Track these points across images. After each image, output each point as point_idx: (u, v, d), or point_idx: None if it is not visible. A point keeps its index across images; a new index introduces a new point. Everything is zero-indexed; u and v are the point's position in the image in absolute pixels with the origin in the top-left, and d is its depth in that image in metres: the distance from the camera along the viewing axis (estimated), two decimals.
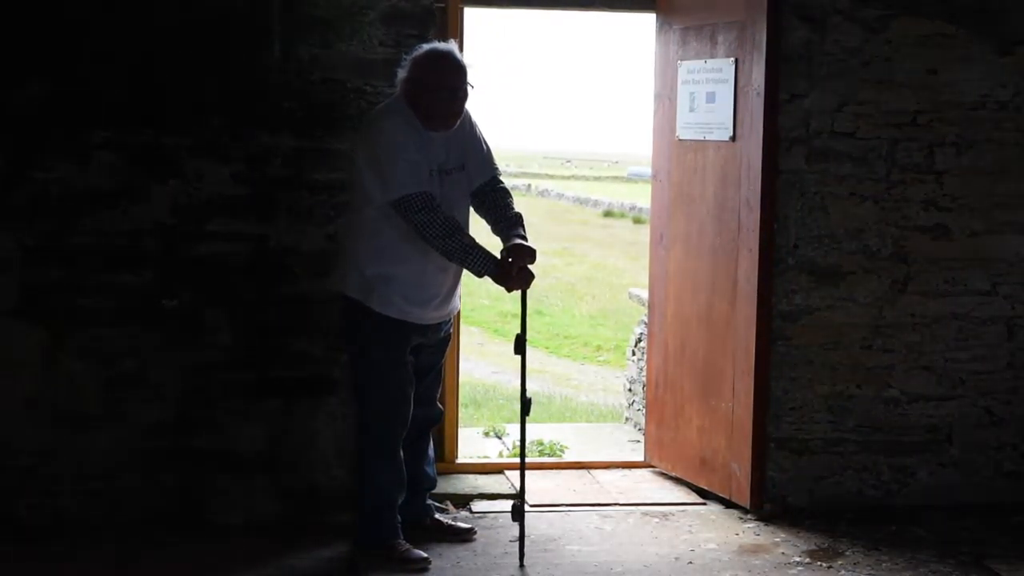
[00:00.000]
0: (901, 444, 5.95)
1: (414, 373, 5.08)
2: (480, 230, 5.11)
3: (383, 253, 4.89)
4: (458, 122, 4.97)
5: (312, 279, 5.48)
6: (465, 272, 5.02)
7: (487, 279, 4.97)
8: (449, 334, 5.29)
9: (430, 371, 5.25)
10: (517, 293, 5.04)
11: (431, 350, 5.18)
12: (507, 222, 5.05)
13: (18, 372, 5.36)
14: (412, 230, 4.81)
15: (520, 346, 5.02)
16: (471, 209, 5.14)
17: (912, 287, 5.90)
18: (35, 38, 5.29)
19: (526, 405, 5.12)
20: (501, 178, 5.19)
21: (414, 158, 4.81)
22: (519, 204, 5.29)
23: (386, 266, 4.89)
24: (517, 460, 6.20)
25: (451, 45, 5.01)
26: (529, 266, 4.97)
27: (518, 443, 6.36)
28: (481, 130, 5.16)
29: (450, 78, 4.89)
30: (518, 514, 5.10)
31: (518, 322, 5.07)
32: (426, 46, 4.97)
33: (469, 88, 4.95)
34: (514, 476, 5.98)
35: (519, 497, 5.17)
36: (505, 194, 5.14)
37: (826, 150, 5.79)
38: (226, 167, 5.43)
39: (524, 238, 5.01)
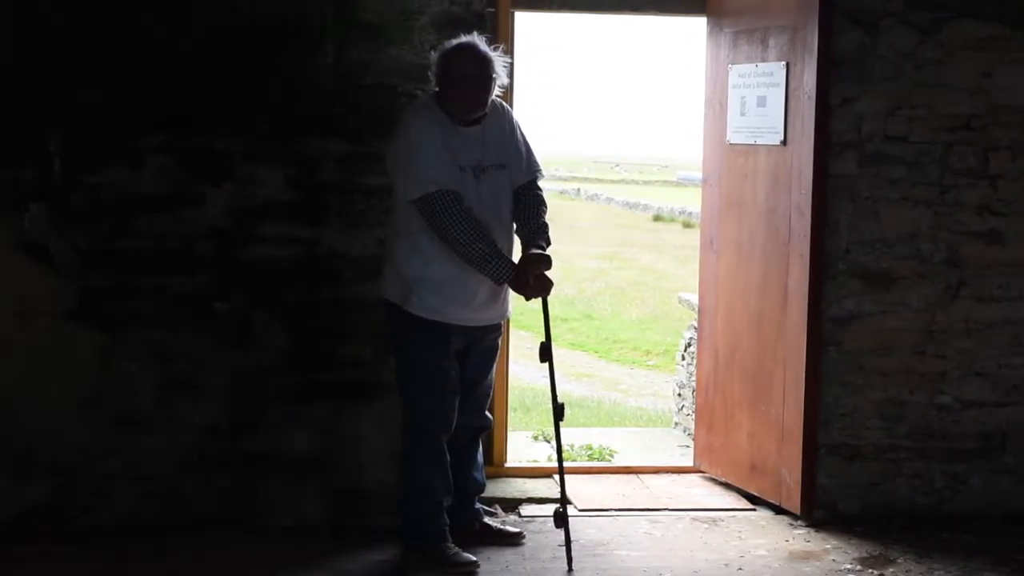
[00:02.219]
0: (954, 451, 5.89)
1: (463, 384, 5.08)
2: None
3: (419, 254, 4.90)
4: (485, 110, 4.97)
5: (362, 283, 5.51)
6: None
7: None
8: (497, 345, 5.27)
9: (480, 383, 5.23)
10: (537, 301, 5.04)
11: (478, 360, 5.16)
12: (531, 229, 5.03)
13: (74, 374, 5.42)
14: (435, 232, 4.82)
15: (546, 353, 5.03)
16: None
17: (965, 292, 5.84)
18: (89, 44, 5.36)
19: (559, 411, 5.11)
20: (540, 184, 5.15)
21: (439, 154, 4.81)
22: (569, 208, 5.36)
23: (422, 267, 4.90)
24: (566, 464, 6.22)
25: (473, 38, 5.00)
26: (547, 273, 4.95)
27: (567, 448, 6.37)
28: (523, 132, 5.14)
29: (469, 65, 4.90)
30: (561, 520, 5.10)
31: (568, 327, 5.09)
32: (450, 41, 5.00)
33: (494, 77, 4.95)
34: None
35: (562, 503, 5.16)
36: (538, 201, 5.10)
37: (878, 154, 5.75)
38: (279, 171, 5.47)
39: (543, 248, 4.98)
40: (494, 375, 5.40)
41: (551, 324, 5.22)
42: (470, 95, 4.91)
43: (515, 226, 5.08)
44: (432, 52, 5.32)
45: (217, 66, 5.42)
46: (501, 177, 5.00)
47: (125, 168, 5.40)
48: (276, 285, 5.49)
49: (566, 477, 5.24)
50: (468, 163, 4.91)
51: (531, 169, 5.10)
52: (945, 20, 5.72)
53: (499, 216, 4.99)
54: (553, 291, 5.07)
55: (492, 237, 4.86)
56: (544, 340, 5.05)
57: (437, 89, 4.99)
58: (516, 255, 5.05)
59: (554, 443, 5.28)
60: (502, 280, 4.88)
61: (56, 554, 5.17)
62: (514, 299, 5.19)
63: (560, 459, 5.21)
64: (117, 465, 5.47)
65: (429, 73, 5.05)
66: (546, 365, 5.09)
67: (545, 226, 5.07)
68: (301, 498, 5.56)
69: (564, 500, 5.18)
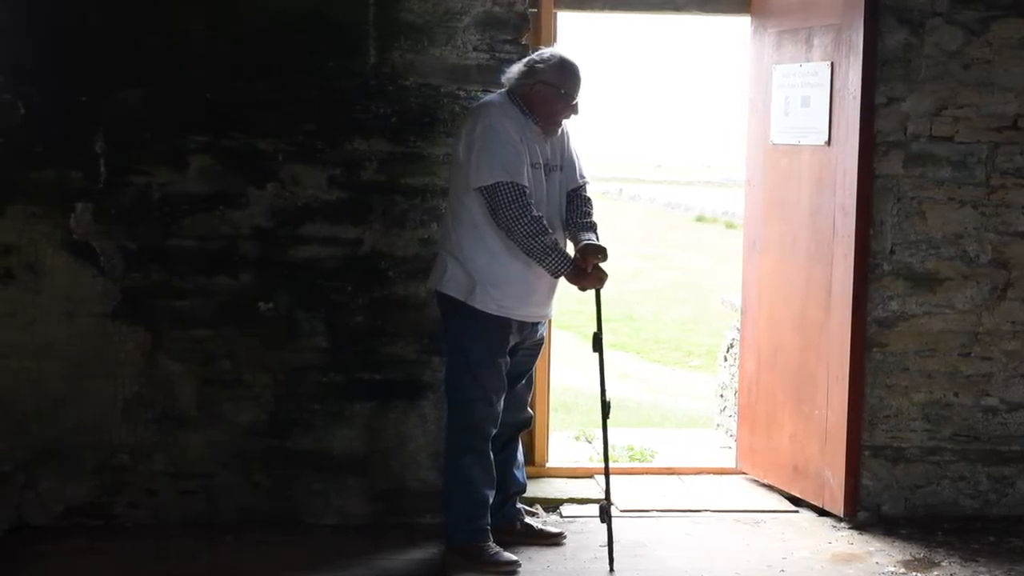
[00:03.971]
0: (1000, 454, 5.84)
1: (507, 377, 5.11)
2: None
3: (486, 247, 4.94)
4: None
5: (406, 283, 5.53)
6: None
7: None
8: (543, 337, 5.33)
9: (523, 376, 5.27)
10: (590, 293, 5.09)
11: (525, 353, 5.21)
12: (581, 226, 5.13)
13: (118, 372, 5.47)
14: (496, 222, 4.87)
15: (597, 344, 5.08)
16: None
17: (1012, 294, 5.79)
18: (133, 46, 5.40)
19: (606, 408, 5.13)
20: (587, 188, 5.29)
21: (515, 148, 4.88)
22: (610, 208, 5.35)
23: (489, 261, 4.94)
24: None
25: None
26: (602, 265, 5.03)
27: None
28: (572, 139, 5.26)
29: (579, 89, 5.04)
30: (605, 514, 5.10)
31: (609, 327, 5.10)
32: (558, 53, 5.06)
33: None
34: (604, 481, 5.97)
35: (607, 498, 5.16)
36: (587, 202, 5.23)
37: (924, 154, 5.71)
38: (321, 172, 5.49)
39: (595, 239, 5.08)
40: (535, 370, 5.42)
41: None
42: (569, 114, 5.07)
43: (567, 224, 5.16)
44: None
45: (259, 66, 5.45)
46: (562, 179, 5.13)
47: (170, 168, 5.44)
48: (319, 285, 5.52)
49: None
50: (539, 161, 5.00)
51: (582, 176, 5.23)
52: (992, 19, 5.67)
53: (560, 214, 5.10)
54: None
55: (552, 231, 4.91)
56: (596, 331, 5.08)
57: (517, 88, 5.01)
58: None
59: (600, 438, 5.28)
60: (559, 273, 4.95)
61: (102, 550, 5.21)
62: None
63: (606, 454, 5.21)
64: (161, 463, 5.51)
65: (514, 68, 5.04)
66: (593, 369, 5.10)
67: (595, 224, 5.17)
68: (344, 497, 5.58)
69: (609, 495, 5.18)
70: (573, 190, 5.18)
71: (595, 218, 5.21)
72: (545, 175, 5.02)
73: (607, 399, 5.14)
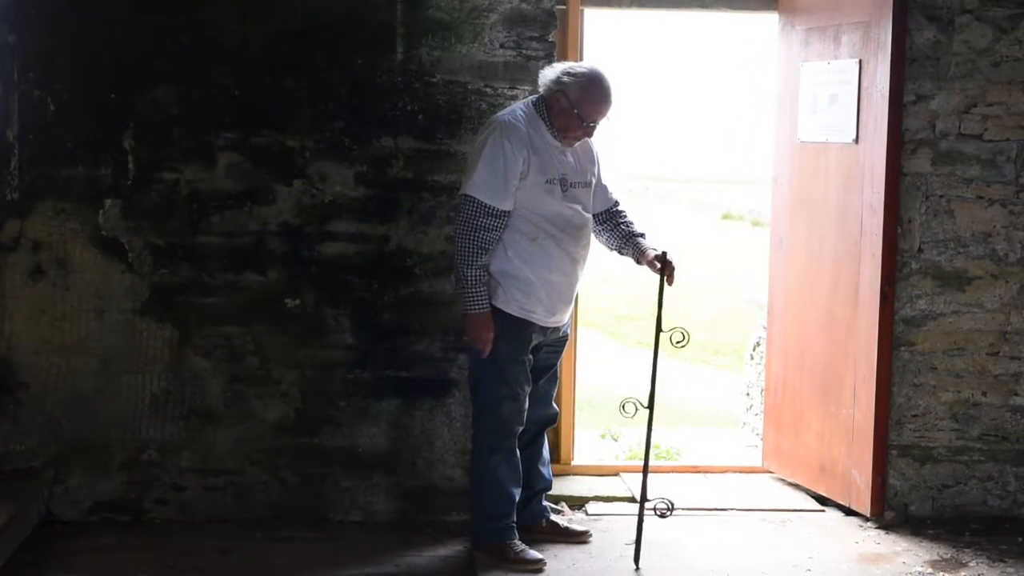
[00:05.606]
0: None
1: (531, 373, 5.12)
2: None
3: (508, 252, 4.95)
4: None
5: (432, 280, 5.54)
6: (581, 271, 5.15)
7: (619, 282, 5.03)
8: (567, 334, 5.34)
9: (547, 371, 5.28)
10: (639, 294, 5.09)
11: (549, 350, 5.22)
12: (636, 235, 5.21)
13: (147, 368, 5.50)
14: (455, 230, 4.92)
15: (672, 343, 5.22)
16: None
17: None
18: (163, 43, 5.42)
19: (651, 404, 5.16)
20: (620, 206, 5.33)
21: (507, 175, 4.86)
22: (636, 206, 5.36)
23: (511, 265, 4.96)
24: (633, 463, 6.20)
25: (609, 77, 5.03)
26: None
27: (633, 447, 6.34)
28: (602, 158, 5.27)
29: (601, 114, 4.99)
30: (669, 511, 5.13)
31: (635, 325, 5.14)
32: (591, 72, 4.97)
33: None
34: (630, 479, 5.98)
35: (661, 498, 5.17)
36: (627, 215, 5.28)
37: (952, 152, 5.68)
38: (349, 169, 5.51)
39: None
40: (560, 363, 5.43)
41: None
42: (586, 134, 5.03)
43: (616, 240, 5.23)
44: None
45: (288, 64, 5.46)
46: (585, 196, 5.12)
47: (198, 165, 5.46)
48: (346, 282, 5.53)
49: (634, 476, 5.24)
50: (555, 175, 4.98)
51: (613, 195, 5.28)
52: (1022, 16, 5.63)
53: (580, 230, 5.07)
54: (620, 288, 5.10)
55: (486, 271, 4.92)
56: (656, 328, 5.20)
57: (543, 92, 4.99)
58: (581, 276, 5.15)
59: (633, 440, 5.29)
60: (464, 309, 4.97)
61: (130, 545, 5.24)
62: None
63: (647, 453, 5.22)
64: (189, 460, 5.54)
65: (549, 71, 5.00)
66: (630, 364, 5.12)
67: (644, 233, 5.24)
68: (371, 494, 5.60)
69: (645, 494, 5.16)
70: (609, 210, 5.22)
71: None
72: (563, 190, 4.99)
73: (652, 400, 5.18)
